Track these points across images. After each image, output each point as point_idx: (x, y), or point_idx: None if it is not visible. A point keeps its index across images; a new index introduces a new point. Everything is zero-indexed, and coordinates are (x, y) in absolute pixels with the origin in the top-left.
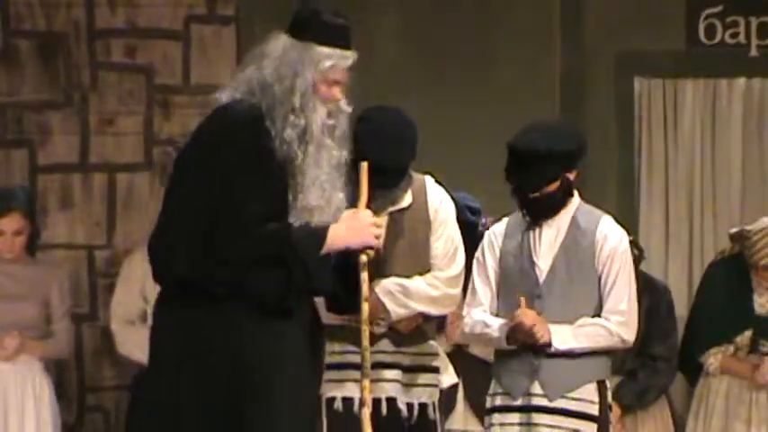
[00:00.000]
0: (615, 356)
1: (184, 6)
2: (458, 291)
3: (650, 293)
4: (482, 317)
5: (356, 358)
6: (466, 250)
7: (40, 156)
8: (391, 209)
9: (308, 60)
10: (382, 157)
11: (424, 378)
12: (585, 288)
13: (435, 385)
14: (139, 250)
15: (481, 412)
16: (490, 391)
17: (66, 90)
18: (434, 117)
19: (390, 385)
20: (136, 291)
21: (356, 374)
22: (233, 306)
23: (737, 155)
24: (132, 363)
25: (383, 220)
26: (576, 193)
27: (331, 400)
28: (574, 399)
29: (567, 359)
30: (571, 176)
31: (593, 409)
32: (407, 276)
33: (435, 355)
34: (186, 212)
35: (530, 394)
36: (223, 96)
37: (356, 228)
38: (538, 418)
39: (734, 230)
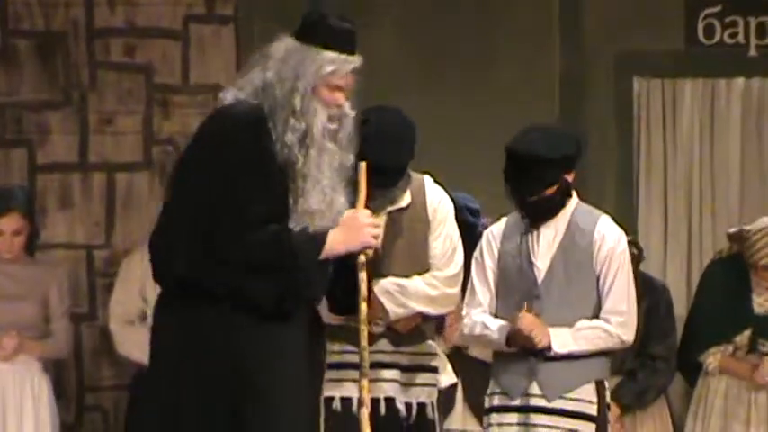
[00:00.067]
0: (614, 356)
1: (183, 6)
2: (456, 290)
3: (649, 293)
4: (481, 318)
5: (354, 358)
6: (465, 250)
7: (39, 155)
8: (390, 208)
9: (309, 64)
10: (382, 157)
11: (422, 378)
12: (584, 288)
13: (434, 385)
14: (138, 250)
15: (480, 412)
16: (488, 391)
17: (65, 89)
18: (434, 117)
19: (389, 385)
20: (135, 290)
21: (355, 374)
22: (233, 307)
23: (736, 155)
24: (131, 362)
25: (382, 219)
26: (574, 193)
27: (329, 399)
28: (572, 399)
29: (566, 360)
30: (569, 178)
31: (592, 409)
32: (406, 276)
33: (434, 354)
34: (186, 212)
35: (528, 395)
36: (227, 97)
37: (354, 230)
38: (536, 418)
39: (733, 230)
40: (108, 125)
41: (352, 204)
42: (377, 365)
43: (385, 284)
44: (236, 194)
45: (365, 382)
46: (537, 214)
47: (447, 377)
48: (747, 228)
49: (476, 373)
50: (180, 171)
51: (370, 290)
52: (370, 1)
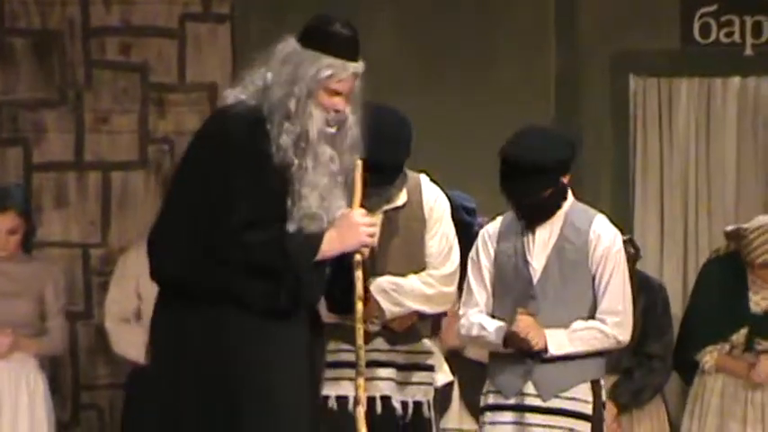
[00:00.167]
0: (611, 355)
1: (179, 4)
2: (452, 289)
3: (646, 292)
4: (478, 319)
5: (350, 356)
6: (461, 250)
7: (35, 154)
8: (386, 207)
9: (307, 67)
10: (378, 156)
11: (418, 376)
12: (579, 288)
13: (430, 383)
14: (134, 248)
15: (476, 411)
16: (484, 390)
17: (60, 88)
18: (430, 116)
19: (385, 383)
20: (130, 289)
21: (351, 373)
22: (229, 306)
23: (732, 154)
24: (127, 361)
25: (378, 218)
26: (569, 192)
27: (325, 398)
28: (567, 398)
29: (561, 360)
30: (565, 180)
31: (587, 409)
32: (402, 275)
33: (430, 353)
34: (182, 212)
35: (523, 394)
36: (229, 96)
37: (349, 229)
38: (531, 417)
39: (730, 228)
40: (104, 124)
41: (348, 204)
42: (373, 364)
43: (381, 283)
44: (232, 195)
45: (361, 381)
46: (533, 216)
47: (443, 376)
48: (745, 226)
49: (472, 371)
50: (179, 170)
51: (366, 289)
52: (370, 0)
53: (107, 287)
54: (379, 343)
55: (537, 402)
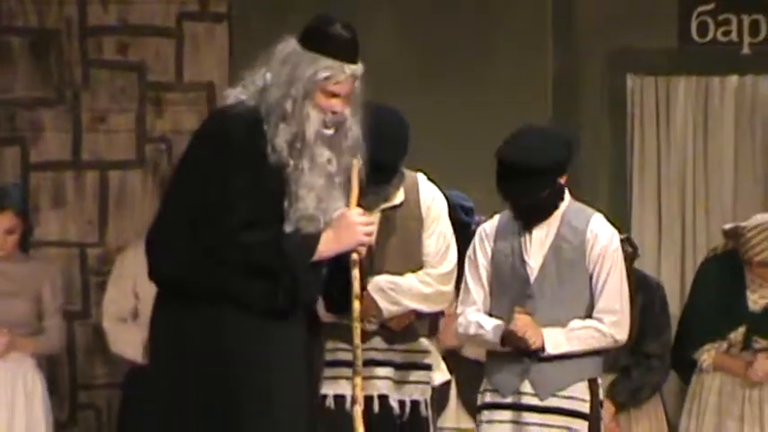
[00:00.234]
0: (608, 354)
1: (177, 3)
2: (450, 288)
3: (644, 291)
4: (476, 318)
5: (348, 356)
6: (459, 249)
7: (32, 153)
8: (383, 206)
9: (304, 68)
10: (377, 155)
11: (415, 375)
12: (576, 287)
13: (427, 382)
14: (132, 248)
15: (474, 410)
16: (481, 389)
17: (58, 87)
18: (428, 116)
19: (382, 383)
20: (128, 288)
21: (348, 372)
22: (227, 306)
23: (730, 152)
24: (124, 360)
25: (375, 217)
26: (566, 191)
27: (323, 397)
28: (564, 397)
29: (558, 359)
30: (562, 181)
31: (584, 407)
32: (399, 274)
33: (427, 352)
34: (180, 212)
35: (520, 393)
36: (230, 96)
37: (346, 229)
38: (528, 416)
39: (728, 227)
40: (101, 123)
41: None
42: (370, 363)
43: (378, 282)
44: (230, 195)
45: (358, 380)
46: (530, 217)
47: (440, 374)
48: (743, 224)
49: (470, 370)
50: (177, 170)
51: (363, 288)
52: (369, 0)
53: (104, 287)
54: (377, 342)
55: (534, 401)
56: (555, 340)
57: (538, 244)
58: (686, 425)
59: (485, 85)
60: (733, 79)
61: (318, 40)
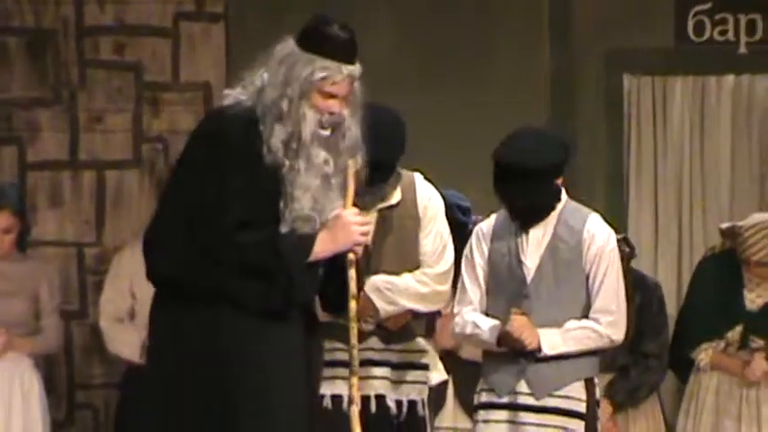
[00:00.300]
0: (605, 353)
1: (173, 3)
2: (446, 287)
3: (641, 290)
4: (472, 317)
5: (345, 356)
6: (455, 248)
7: (29, 153)
8: (380, 206)
9: (300, 69)
10: (374, 154)
11: (412, 375)
12: (573, 287)
13: (424, 382)
14: (128, 247)
15: (471, 409)
16: (477, 388)
17: (55, 87)
18: (426, 116)
19: (379, 382)
20: (125, 288)
21: (345, 372)
22: (224, 307)
23: (726, 152)
24: (121, 360)
25: (372, 216)
26: (563, 191)
27: (320, 397)
28: (561, 396)
29: (555, 359)
30: (559, 182)
31: (581, 407)
32: (396, 273)
33: (424, 351)
34: (177, 212)
35: (516, 392)
36: (229, 96)
37: (342, 229)
38: (524, 416)
39: (725, 226)
40: (98, 123)
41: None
42: (367, 363)
43: (375, 282)
44: (226, 196)
45: (355, 380)
46: (527, 218)
47: (437, 374)
48: (740, 224)
49: (467, 370)
50: (175, 170)
51: (360, 288)
52: (366, 0)
53: (101, 286)
54: (374, 342)
55: (530, 401)
56: (551, 341)
57: (535, 244)
58: (683, 424)
59: (482, 85)
60: (730, 79)
61: (315, 41)
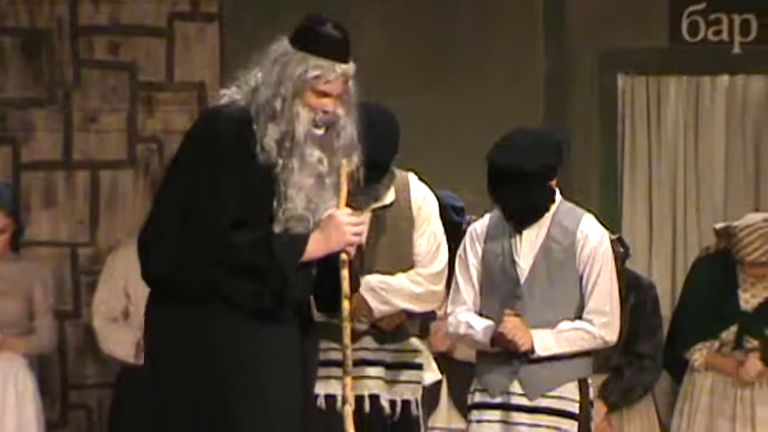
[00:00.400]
0: (599, 354)
1: (168, 3)
2: (441, 287)
3: (635, 291)
4: (466, 318)
5: (339, 355)
6: (450, 249)
7: (23, 153)
8: (374, 206)
9: (294, 68)
10: (367, 154)
11: (406, 375)
12: (566, 288)
13: (418, 382)
14: (122, 247)
15: (465, 409)
16: (471, 389)
17: (49, 87)
18: (420, 115)
19: (373, 382)
20: (119, 288)
21: (339, 372)
22: (219, 306)
23: (721, 152)
24: (115, 360)
25: (366, 216)
26: (557, 192)
27: (314, 397)
28: (554, 397)
29: (548, 360)
30: (553, 183)
31: (574, 407)
32: (390, 273)
33: (418, 351)
34: (172, 212)
35: (509, 393)
36: (224, 96)
37: (335, 230)
38: (517, 416)
39: (719, 226)
40: (92, 123)
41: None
42: (361, 363)
43: (369, 281)
44: (220, 195)
45: (348, 380)
46: (521, 219)
47: (431, 374)
48: (735, 224)
49: (461, 370)
50: (169, 170)
51: (354, 288)
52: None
53: (95, 286)
54: (368, 342)
55: (523, 401)
56: (544, 342)
57: (528, 245)
58: (678, 424)
59: (476, 85)
60: (724, 79)
61: (309, 40)
